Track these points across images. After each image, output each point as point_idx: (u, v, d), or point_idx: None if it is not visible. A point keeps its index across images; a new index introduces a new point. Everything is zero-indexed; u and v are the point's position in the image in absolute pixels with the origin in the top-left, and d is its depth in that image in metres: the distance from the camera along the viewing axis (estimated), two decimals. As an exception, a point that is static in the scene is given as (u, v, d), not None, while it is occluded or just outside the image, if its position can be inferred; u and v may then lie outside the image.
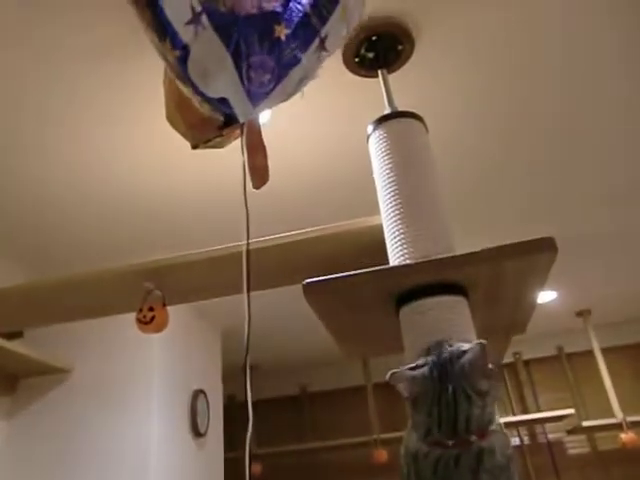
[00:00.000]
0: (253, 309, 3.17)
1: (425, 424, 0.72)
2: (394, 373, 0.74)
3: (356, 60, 1.34)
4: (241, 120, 0.81)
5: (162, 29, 0.77)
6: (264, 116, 1.50)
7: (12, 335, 2.08)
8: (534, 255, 0.87)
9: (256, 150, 0.91)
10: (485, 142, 1.81)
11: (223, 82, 0.78)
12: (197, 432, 2.51)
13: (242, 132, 0.80)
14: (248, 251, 0.84)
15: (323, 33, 0.84)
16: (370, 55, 1.31)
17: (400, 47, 1.31)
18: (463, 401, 0.70)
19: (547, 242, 0.86)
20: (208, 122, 0.85)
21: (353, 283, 0.89)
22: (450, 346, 0.76)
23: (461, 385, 0.70)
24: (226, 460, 2.83)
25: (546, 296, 3.22)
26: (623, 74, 1.58)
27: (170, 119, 0.96)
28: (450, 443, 0.69)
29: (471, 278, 0.90)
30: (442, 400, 0.71)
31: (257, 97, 0.80)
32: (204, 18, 0.76)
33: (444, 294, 0.89)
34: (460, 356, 0.72)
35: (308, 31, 0.83)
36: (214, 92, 0.79)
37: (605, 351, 3.41)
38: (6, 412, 2.28)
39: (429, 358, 0.75)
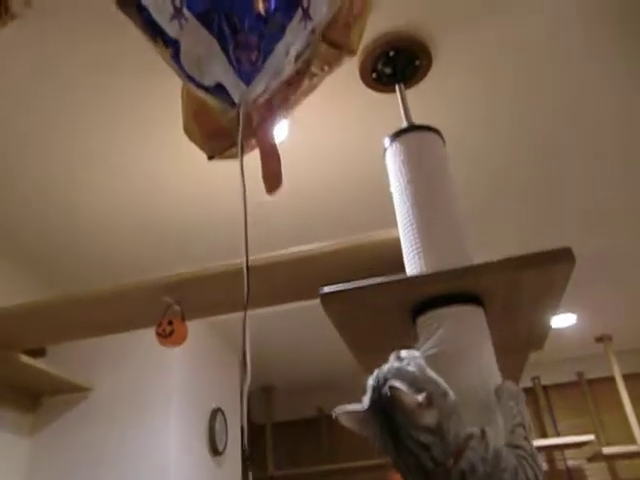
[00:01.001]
0: (270, 330, 3.21)
1: (397, 469, 0.68)
2: (338, 413, 0.69)
3: (373, 76, 1.37)
4: (237, 101, 0.82)
5: (152, 30, 0.80)
6: (282, 131, 1.53)
7: (35, 353, 2.12)
8: (551, 265, 0.88)
9: (269, 156, 0.93)
10: (502, 156, 1.82)
11: (215, 66, 0.79)
12: (215, 450, 2.51)
13: (238, 118, 0.80)
14: (247, 267, 0.85)
15: (305, 2, 0.84)
16: (387, 70, 1.34)
17: (418, 62, 1.34)
18: (414, 446, 0.64)
19: (564, 252, 0.87)
20: (224, 132, 0.87)
21: (370, 292, 0.90)
22: (385, 383, 0.67)
23: (405, 432, 0.64)
24: (244, 481, 2.82)
25: (566, 320, 3.18)
26: None
27: (187, 130, 0.99)
28: (430, 477, 0.64)
29: (488, 288, 0.91)
30: (396, 448, 0.66)
31: (248, 76, 0.80)
32: (185, 10, 0.78)
33: (461, 304, 0.90)
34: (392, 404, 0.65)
35: (289, 2, 0.83)
36: (210, 79, 0.81)
37: (626, 377, 3.35)
38: (29, 430, 2.30)
39: (367, 398, 0.69)
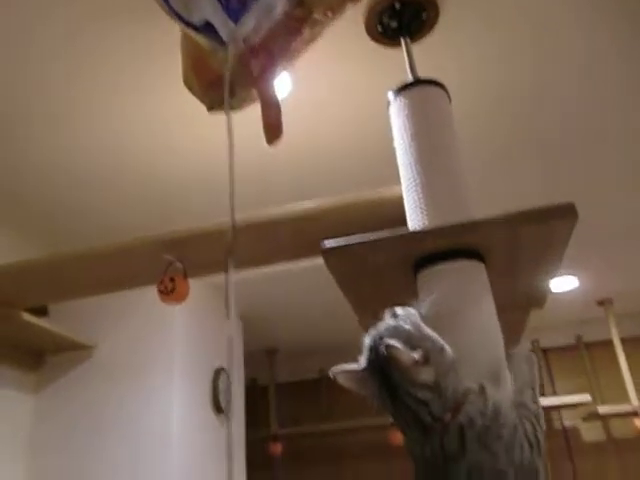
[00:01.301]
0: (274, 292, 3.23)
1: (396, 424, 0.68)
2: (336, 372, 0.70)
3: (379, 29, 1.33)
4: (225, 39, 0.81)
5: None
6: (285, 86, 1.50)
7: (37, 312, 2.14)
8: (553, 221, 0.87)
9: (270, 106, 0.91)
10: (507, 113, 1.79)
11: (203, 4, 0.78)
12: (219, 409, 2.55)
13: (227, 57, 0.79)
14: (233, 226, 0.84)
15: None
16: (393, 24, 1.31)
17: (424, 15, 1.31)
18: (412, 403, 0.65)
19: (567, 208, 0.86)
20: (223, 82, 0.86)
21: (372, 247, 0.89)
22: (381, 341, 0.67)
23: (402, 389, 0.65)
24: (248, 440, 2.88)
25: (568, 283, 3.19)
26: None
27: (187, 81, 0.98)
28: (429, 431, 0.65)
29: (489, 244, 0.90)
30: (394, 405, 0.66)
31: (236, 14, 0.78)
32: None
33: (462, 259, 0.90)
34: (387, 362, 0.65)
35: None
36: (198, 17, 0.79)
37: (625, 341, 3.38)
38: (33, 387, 2.34)
39: (364, 357, 0.69)
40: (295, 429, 3.61)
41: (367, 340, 0.69)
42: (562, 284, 3.18)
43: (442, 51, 1.46)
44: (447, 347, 0.69)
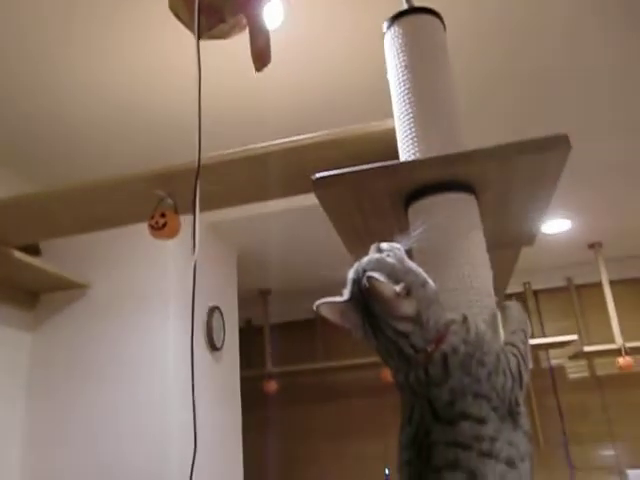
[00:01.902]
0: (268, 232, 3.23)
1: (379, 355, 0.69)
2: (319, 304, 0.70)
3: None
4: None
5: None
6: (277, 20, 1.45)
7: (30, 252, 2.14)
8: (547, 152, 0.86)
9: (258, 32, 0.88)
10: (504, 43, 1.74)
11: None
12: (213, 346, 2.60)
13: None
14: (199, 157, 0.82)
15: None
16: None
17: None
18: (393, 335, 0.65)
19: (560, 139, 0.85)
20: (212, 7, 0.83)
21: (363, 177, 0.89)
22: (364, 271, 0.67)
23: (384, 321, 0.65)
24: (243, 378, 2.96)
25: (560, 226, 3.21)
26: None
27: (173, 7, 0.94)
28: (412, 362, 0.66)
29: (481, 176, 0.90)
30: (377, 337, 0.67)
31: None
32: None
33: (453, 191, 0.89)
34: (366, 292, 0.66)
35: None
36: None
37: (613, 283, 3.45)
38: (29, 325, 2.38)
39: (348, 290, 0.69)
40: (289, 367, 3.70)
41: (351, 274, 0.70)
42: (555, 226, 3.20)
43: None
44: (430, 281, 0.69)
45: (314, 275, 3.69)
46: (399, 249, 0.72)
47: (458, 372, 0.65)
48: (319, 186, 0.90)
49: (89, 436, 2.20)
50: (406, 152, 0.95)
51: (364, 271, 0.68)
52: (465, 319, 0.69)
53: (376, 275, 0.64)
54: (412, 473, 0.63)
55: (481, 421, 0.62)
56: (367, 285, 0.65)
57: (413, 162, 0.90)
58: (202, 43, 1.51)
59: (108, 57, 1.62)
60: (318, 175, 0.89)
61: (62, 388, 2.28)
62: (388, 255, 0.70)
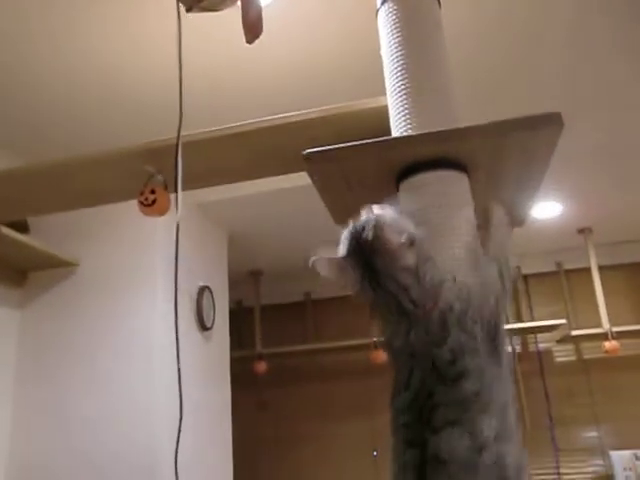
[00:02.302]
0: (259, 213, 3.21)
1: (378, 312, 0.69)
2: (316, 260, 0.70)
3: None
4: None
5: None
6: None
7: (18, 229, 2.11)
8: (539, 130, 0.85)
9: (249, 4, 0.87)
10: (503, 25, 1.73)
11: None
12: (203, 326, 2.60)
13: None
14: (179, 136, 0.81)
15: None
16: None
17: None
18: (394, 287, 0.65)
19: (553, 116, 0.84)
20: None
21: (354, 153, 0.88)
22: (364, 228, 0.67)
23: (385, 274, 0.65)
24: (233, 358, 2.97)
25: (552, 210, 3.22)
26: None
27: None
28: (412, 318, 0.66)
29: (473, 153, 0.89)
30: (376, 292, 0.67)
31: None
32: None
33: (445, 169, 0.89)
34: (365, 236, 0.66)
35: None
36: None
37: (602, 268, 3.48)
38: (18, 303, 2.36)
39: (344, 246, 0.69)
40: (279, 348, 3.72)
41: (346, 232, 0.70)
42: (546, 210, 3.21)
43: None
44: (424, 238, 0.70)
45: (305, 257, 3.68)
46: (392, 209, 0.72)
47: (455, 329, 0.65)
48: (310, 162, 0.89)
49: (78, 417, 2.20)
50: (398, 129, 0.94)
51: (363, 227, 0.68)
52: (454, 278, 0.70)
53: (382, 222, 0.65)
54: (410, 436, 0.63)
55: (480, 375, 0.63)
56: (371, 236, 0.65)
57: (404, 138, 0.90)
58: (190, 20, 1.49)
59: (91, 29, 1.59)
60: (309, 151, 0.88)
61: (51, 366, 2.28)
62: (383, 214, 0.70)
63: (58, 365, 2.27)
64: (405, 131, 0.93)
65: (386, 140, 0.88)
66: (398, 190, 0.94)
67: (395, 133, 0.95)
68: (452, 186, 0.89)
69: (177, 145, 0.86)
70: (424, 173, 0.89)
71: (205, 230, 2.86)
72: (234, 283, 3.17)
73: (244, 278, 3.82)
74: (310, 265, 0.70)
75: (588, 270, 3.48)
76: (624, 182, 2.97)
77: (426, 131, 0.89)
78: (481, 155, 0.90)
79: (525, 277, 3.91)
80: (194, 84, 1.88)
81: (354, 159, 0.89)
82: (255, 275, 3.90)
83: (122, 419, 2.17)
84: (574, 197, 3.10)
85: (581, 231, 3.55)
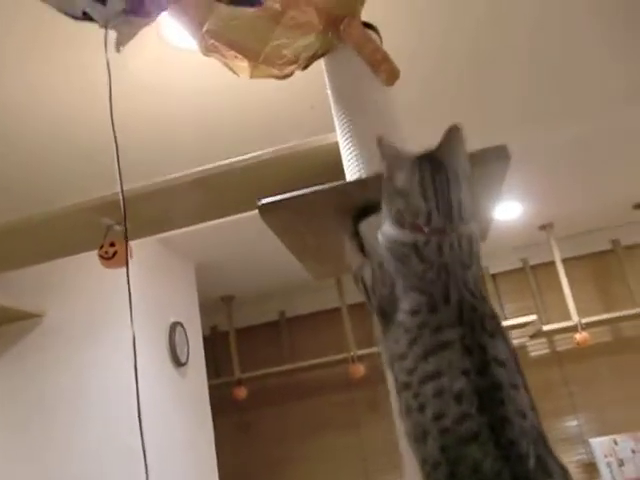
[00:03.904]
0: (224, 241, 3.19)
1: (423, 209, 0.68)
2: (381, 138, 0.73)
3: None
4: (101, 26, 0.77)
5: None
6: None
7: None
8: (488, 164, 0.88)
9: (363, 44, 0.87)
10: (459, 41, 1.77)
11: None
12: (178, 362, 2.57)
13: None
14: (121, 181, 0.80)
15: None
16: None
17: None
18: (454, 185, 0.69)
19: (500, 150, 0.87)
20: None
21: (309, 201, 0.88)
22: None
23: (450, 167, 0.70)
24: (212, 386, 2.94)
25: (512, 210, 3.29)
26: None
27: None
28: (448, 229, 0.68)
29: (426, 189, 0.91)
30: (436, 183, 0.69)
31: None
32: None
33: (400, 207, 0.90)
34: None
35: None
36: (76, 9, 0.75)
37: (566, 261, 3.57)
38: (-17, 358, 2.29)
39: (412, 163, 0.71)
40: (257, 372, 3.68)
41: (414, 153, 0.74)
42: (506, 211, 3.28)
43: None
44: None
45: (276, 277, 3.68)
46: None
47: (476, 260, 0.71)
48: (265, 211, 0.89)
49: (56, 467, 2.15)
50: (351, 171, 0.95)
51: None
52: None
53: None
54: (469, 345, 0.65)
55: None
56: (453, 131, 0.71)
57: (357, 182, 0.91)
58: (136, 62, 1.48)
59: (41, 79, 1.57)
60: (263, 201, 0.88)
61: (23, 419, 2.21)
62: None
63: (30, 417, 2.21)
64: (357, 173, 0.94)
65: (338, 185, 0.89)
66: (356, 230, 0.95)
67: (348, 174, 0.97)
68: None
69: (122, 199, 0.86)
70: (379, 214, 0.90)
71: (171, 263, 2.84)
72: (206, 309, 3.14)
73: (216, 304, 3.79)
74: (377, 141, 0.73)
75: (553, 264, 3.57)
76: (581, 177, 3.05)
77: (376, 172, 0.91)
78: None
79: (493, 276, 3.97)
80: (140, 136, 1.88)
81: (308, 206, 0.90)
82: (227, 300, 3.87)
83: (103, 464, 2.13)
84: (533, 195, 3.18)
85: (543, 227, 3.64)
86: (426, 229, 0.68)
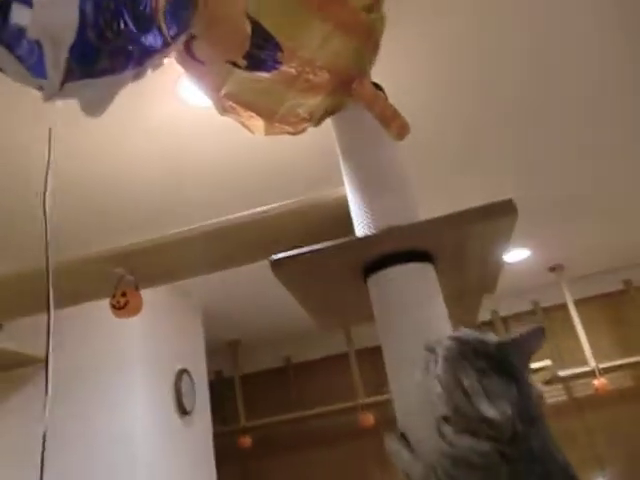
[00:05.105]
0: (231, 285, 3.18)
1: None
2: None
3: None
4: (45, 100, 0.76)
5: None
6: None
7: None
8: (495, 218, 0.89)
9: (374, 102, 0.89)
10: (457, 107, 1.81)
11: (14, 73, 0.75)
12: (183, 411, 2.54)
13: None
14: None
15: None
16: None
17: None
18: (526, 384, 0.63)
19: (507, 205, 0.88)
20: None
21: (319, 256, 0.89)
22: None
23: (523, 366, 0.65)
24: (217, 434, 2.88)
25: (519, 254, 3.28)
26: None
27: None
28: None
29: (434, 244, 0.92)
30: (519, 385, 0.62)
31: (37, 69, 0.74)
32: None
33: (409, 262, 0.91)
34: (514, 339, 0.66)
35: None
36: (32, 84, 0.76)
37: (579, 302, 3.51)
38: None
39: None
40: (263, 420, 3.59)
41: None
42: (514, 255, 3.27)
43: (395, 54, 1.44)
44: None
45: (283, 322, 3.66)
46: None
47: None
48: (277, 267, 0.90)
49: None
50: (360, 224, 0.96)
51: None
52: None
53: None
54: None
55: None
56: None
57: (367, 237, 0.92)
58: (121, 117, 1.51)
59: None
60: (274, 257, 0.89)
61: (24, 466, 2.17)
62: None
63: (33, 462, 2.17)
64: (367, 226, 0.95)
65: (348, 241, 0.90)
66: (366, 282, 0.96)
67: (357, 228, 0.98)
68: (418, 279, 0.91)
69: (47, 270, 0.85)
70: (389, 268, 0.90)
71: (179, 309, 2.83)
72: (212, 354, 3.12)
73: (222, 349, 3.76)
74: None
75: (565, 306, 3.52)
76: (590, 217, 3.04)
77: (386, 227, 0.92)
78: (442, 244, 0.93)
79: (504, 319, 3.92)
80: (152, 188, 1.91)
81: (319, 261, 0.91)
82: (233, 345, 3.83)
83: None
84: (540, 240, 3.17)
85: (552, 269, 3.61)
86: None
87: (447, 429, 0.62)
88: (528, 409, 0.62)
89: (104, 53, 0.78)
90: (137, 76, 0.84)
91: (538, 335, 0.69)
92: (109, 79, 0.80)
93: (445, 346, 0.66)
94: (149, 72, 0.87)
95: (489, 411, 0.58)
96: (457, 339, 0.66)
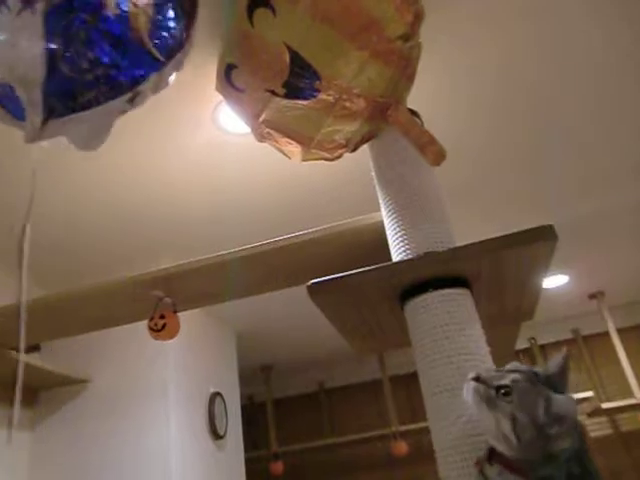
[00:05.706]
0: (267, 310, 3.18)
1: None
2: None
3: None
4: (27, 141, 0.76)
5: None
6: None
7: (29, 348, 2.12)
8: (534, 244, 0.87)
9: (409, 128, 0.91)
10: (481, 132, 1.80)
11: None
12: (216, 434, 2.53)
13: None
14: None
15: None
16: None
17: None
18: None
19: (547, 230, 0.87)
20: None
21: (357, 281, 0.90)
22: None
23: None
24: (248, 460, 2.86)
25: (558, 281, 3.21)
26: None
27: None
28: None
29: (472, 270, 0.91)
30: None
31: (20, 113, 0.75)
32: None
33: (447, 287, 0.90)
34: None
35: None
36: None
37: (621, 331, 3.39)
38: (28, 424, 2.32)
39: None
40: (295, 446, 3.55)
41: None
42: (552, 282, 3.20)
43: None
44: None
45: (316, 347, 3.65)
46: None
47: None
48: (314, 292, 0.91)
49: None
50: (397, 250, 0.96)
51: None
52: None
53: None
54: None
55: None
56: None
57: (404, 262, 0.92)
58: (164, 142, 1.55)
59: (104, 158, 1.67)
60: (312, 282, 0.90)
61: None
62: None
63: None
64: (403, 252, 0.95)
65: (385, 266, 0.90)
66: (403, 306, 0.95)
67: (394, 253, 0.98)
68: (455, 304, 0.90)
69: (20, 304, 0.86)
70: (426, 294, 0.90)
71: (214, 333, 2.86)
72: (244, 379, 3.12)
73: (254, 373, 3.76)
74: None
75: (606, 335, 3.40)
76: (630, 242, 2.95)
77: (424, 251, 0.92)
78: (481, 270, 0.92)
79: (542, 347, 3.82)
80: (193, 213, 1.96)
81: (356, 286, 0.91)
82: (266, 371, 3.82)
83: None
84: (579, 266, 3.09)
85: (592, 296, 3.51)
86: None
87: (491, 470, 0.65)
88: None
89: (83, 85, 0.75)
90: (133, 102, 0.81)
91: (567, 364, 0.71)
92: (98, 110, 0.77)
93: (513, 379, 0.67)
94: (149, 95, 0.84)
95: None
96: (523, 372, 0.68)
